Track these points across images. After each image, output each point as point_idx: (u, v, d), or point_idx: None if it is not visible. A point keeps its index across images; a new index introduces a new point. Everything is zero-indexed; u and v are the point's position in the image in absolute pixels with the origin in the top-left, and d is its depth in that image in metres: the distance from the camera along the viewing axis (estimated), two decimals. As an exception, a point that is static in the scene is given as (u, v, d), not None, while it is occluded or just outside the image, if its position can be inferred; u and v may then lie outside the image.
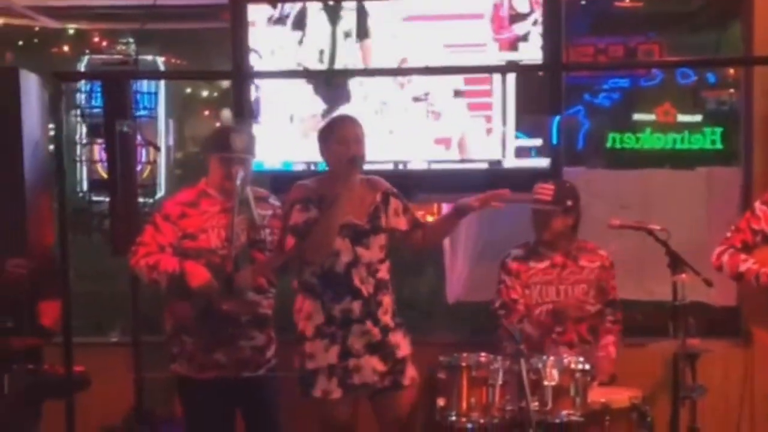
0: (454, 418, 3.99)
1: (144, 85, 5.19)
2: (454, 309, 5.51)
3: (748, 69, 5.29)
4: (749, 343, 5.05)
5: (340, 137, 4.13)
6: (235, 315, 4.27)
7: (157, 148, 5.20)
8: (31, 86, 4.84)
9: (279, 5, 4.87)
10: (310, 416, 4.20)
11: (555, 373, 3.94)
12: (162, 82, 5.53)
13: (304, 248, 4.08)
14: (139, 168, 4.86)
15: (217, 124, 6.51)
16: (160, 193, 5.30)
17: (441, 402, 4.05)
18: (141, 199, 4.82)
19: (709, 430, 4.36)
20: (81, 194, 5.07)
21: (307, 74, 4.95)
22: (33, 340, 4.57)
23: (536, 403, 3.89)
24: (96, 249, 5.01)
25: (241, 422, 4.49)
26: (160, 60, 5.91)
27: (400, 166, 4.86)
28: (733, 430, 5.11)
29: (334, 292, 4.11)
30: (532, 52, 4.74)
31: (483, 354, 4.05)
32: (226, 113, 6.27)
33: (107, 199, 4.72)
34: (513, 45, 4.77)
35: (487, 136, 4.83)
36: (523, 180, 4.67)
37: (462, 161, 4.85)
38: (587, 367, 4.02)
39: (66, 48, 6.26)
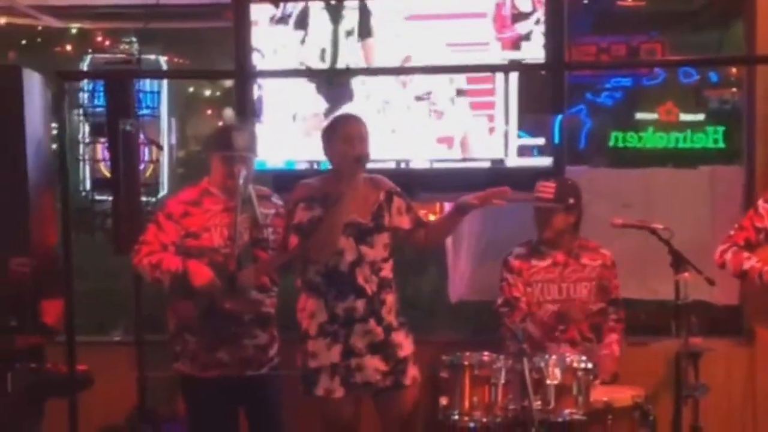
0: (456, 417, 3.99)
1: (147, 84, 5.22)
2: (457, 308, 5.50)
3: (751, 68, 5.28)
4: (752, 341, 5.04)
5: (344, 136, 4.12)
6: (237, 314, 4.26)
7: (160, 147, 5.21)
8: (34, 85, 4.83)
9: (281, 4, 4.87)
10: (313, 415, 4.20)
11: (557, 372, 3.95)
12: (165, 82, 5.55)
13: (309, 247, 4.07)
14: (141, 167, 4.88)
15: (220, 123, 6.51)
16: (163, 191, 5.32)
17: (444, 401, 4.05)
18: (144, 198, 4.84)
19: (711, 428, 4.35)
20: (84, 193, 5.09)
21: (309, 73, 4.95)
22: (36, 338, 4.56)
23: (539, 402, 3.89)
24: (99, 248, 5.03)
25: (244, 421, 4.49)
26: (163, 59, 5.93)
27: (403, 165, 4.85)
28: (735, 429, 5.10)
29: (338, 290, 4.11)
30: (534, 51, 4.74)
31: (486, 353, 4.05)
32: (229, 112, 6.27)
33: (110, 198, 4.72)
34: (515, 44, 4.77)
35: (490, 135, 4.82)
36: (525, 179, 4.66)
37: (464, 160, 4.85)
38: (590, 365, 4.02)
39: (69, 47, 6.27)
